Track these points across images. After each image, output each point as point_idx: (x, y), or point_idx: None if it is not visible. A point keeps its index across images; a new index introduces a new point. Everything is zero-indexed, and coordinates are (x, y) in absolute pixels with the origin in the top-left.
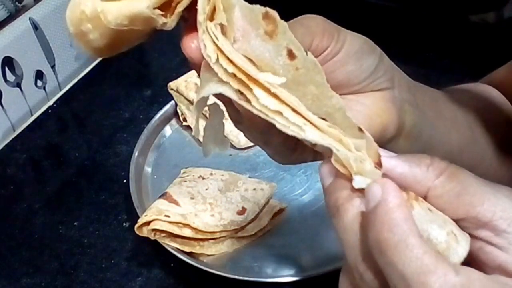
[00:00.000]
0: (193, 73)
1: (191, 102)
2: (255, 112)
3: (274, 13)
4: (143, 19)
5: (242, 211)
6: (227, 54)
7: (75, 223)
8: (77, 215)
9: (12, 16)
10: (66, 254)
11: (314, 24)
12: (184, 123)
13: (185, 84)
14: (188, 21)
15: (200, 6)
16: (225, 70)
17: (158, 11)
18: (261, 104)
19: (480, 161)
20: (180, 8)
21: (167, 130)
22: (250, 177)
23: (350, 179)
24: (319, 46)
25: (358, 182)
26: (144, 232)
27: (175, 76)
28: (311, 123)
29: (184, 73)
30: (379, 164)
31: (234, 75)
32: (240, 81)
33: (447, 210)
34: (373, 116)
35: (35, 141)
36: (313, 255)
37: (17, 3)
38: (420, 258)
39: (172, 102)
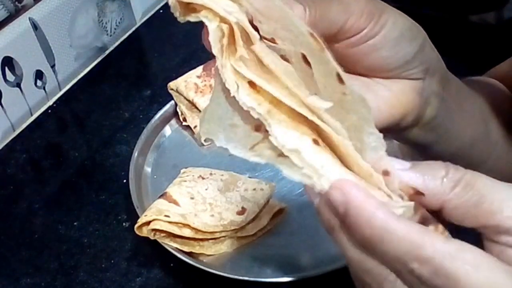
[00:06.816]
0: (193, 73)
1: (190, 102)
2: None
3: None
4: None
5: (242, 211)
6: (259, 84)
7: (75, 223)
8: (77, 215)
9: (12, 16)
10: (66, 254)
11: (354, 2)
12: (184, 123)
13: (185, 84)
14: None
15: (212, 40)
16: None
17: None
18: (278, 142)
19: (490, 155)
20: (190, 18)
21: (167, 130)
22: (250, 177)
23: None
24: (354, 26)
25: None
26: (144, 232)
27: (175, 76)
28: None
29: (184, 73)
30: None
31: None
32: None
33: (465, 220)
34: (396, 105)
35: (35, 141)
36: (313, 255)
37: (17, 3)
38: (406, 237)
39: (172, 102)
